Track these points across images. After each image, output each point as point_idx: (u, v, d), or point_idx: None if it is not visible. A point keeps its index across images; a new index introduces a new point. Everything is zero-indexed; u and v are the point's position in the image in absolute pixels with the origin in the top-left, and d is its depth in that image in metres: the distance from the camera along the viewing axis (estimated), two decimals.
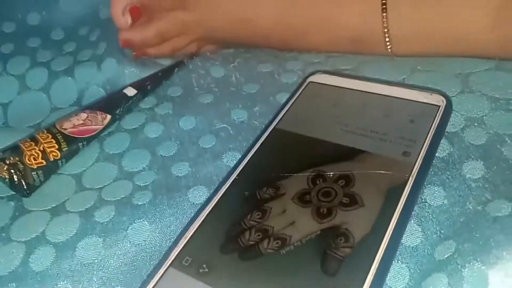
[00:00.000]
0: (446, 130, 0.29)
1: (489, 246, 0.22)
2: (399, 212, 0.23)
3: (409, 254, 0.23)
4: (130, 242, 0.26)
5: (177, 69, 0.38)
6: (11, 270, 0.25)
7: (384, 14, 0.35)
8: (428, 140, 0.27)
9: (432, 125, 0.28)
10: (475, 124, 0.29)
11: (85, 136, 0.32)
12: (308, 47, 0.39)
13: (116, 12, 0.34)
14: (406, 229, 0.24)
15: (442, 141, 0.28)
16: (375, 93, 0.31)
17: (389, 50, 0.37)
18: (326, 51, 0.39)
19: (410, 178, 0.25)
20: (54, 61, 0.40)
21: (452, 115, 0.30)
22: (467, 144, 0.28)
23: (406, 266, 0.23)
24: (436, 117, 0.28)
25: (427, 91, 0.30)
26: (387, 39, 0.36)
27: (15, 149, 0.29)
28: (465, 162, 0.27)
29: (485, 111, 0.30)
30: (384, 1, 0.35)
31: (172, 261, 0.23)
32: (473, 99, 0.31)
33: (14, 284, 0.24)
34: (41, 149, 0.30)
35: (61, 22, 0.43)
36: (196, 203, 0.27)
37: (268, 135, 0.30)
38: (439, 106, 0.29)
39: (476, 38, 0.34)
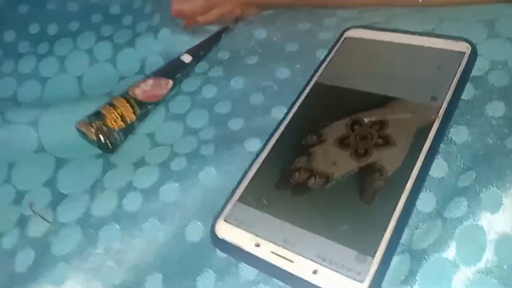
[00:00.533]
0: (472, 75, 0.32)
1: (504, 174, 0.25)
2: (427, 149, 0.28)
3: (435, 184, 0.27)
4: (201, 185, 0.31)
5: (224, 34, 0.43)
6: (110, 213, 0.31)
7: None
8: (454, 84, 0.30)
9: (457, 71, 0.31)
10: (499, 67, 0.32)
11: (154, 101, 0.37)
12: (343, 3, 0.42)
13: None
14: (434, 163, 0.28)
15: (467, 84, 0.32)
16: (405, 44, 0.34)
17: (420, 0, 0.39)
18: (360, 6, 0.42)
19: (437, 119, 0.29)
20: (116, 35, 0.45)
21: (478, 60, 0.33)
22: (490, 87, 0.31)
23: (433, 194, 0.27)
24: (462, 63, 0.32)
25: (453, 39, 0.33)
26: None
27: (98, 114, 0.35)
28: (488, 103, 0.30)
29: (509, 54, 0.32)
30: None
31: (239, 197, 0.28)
32: (498, 43, 0.33)
33: (113, 222, 0.31)
34: (119, 113, 0.35)
35: None
36: (252, 152, 0.32)
37: (310, 89, 0.34)
38: (464, 53, 0.32)
39: None
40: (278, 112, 0.34)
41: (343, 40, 0.37)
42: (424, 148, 0.28)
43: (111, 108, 0.35)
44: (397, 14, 0.40)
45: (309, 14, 0.43)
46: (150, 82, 0.37)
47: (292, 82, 0.36)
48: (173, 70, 0.39)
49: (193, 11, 0.42)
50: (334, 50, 0.36)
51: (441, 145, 0.29)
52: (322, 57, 0.36)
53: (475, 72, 0.32)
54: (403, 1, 0.40)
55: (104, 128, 0.34)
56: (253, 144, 0.33)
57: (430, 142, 0.28)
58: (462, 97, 0.31)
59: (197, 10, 0.42)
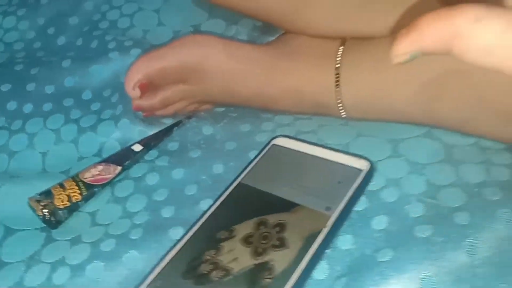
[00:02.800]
0: (368, 189, 0.37)
1: (368, 284, 0.30)
2: (312, 253, 0.32)
3: (316, 286, 0.32)
4: (124, 267, 0.36)
5: (176, 127, 0.49)
6: (38, 284, 0.35)
7: (338, 89, 0.44)
8: (347, 198, 0.36)
9: (353, 185, 0.37)
10: (392, 185, 0.37)
11: (100, 183, 0.42)
12: (281, 110, 0.48)
13: (129, 87, 0.45)
14: (319, 265, 0.33)
15: (362, 198, 0.37)
16: (317, 156, 0.40)
17: (343, 116, 0.46)
18: (296, 114, 0.48)
19: (325, 228, 0.34)
20: (82, 119, 0.51)
21: (376, 176, 0.38)
22: (381, 202, 0.36)
23: None
24: (358, 179, 0.37)
25: (356, 156, 0.39)
26: (341, 108, 0.45)
27: (48, 193, 0.40)
28: (375, 216, 0.35)
29: (403, 174, 0.38)
30: (337, 78, 0.44)
31: (149, 284, 0.33)
32: (396, 163, 0.39)
33: None
34: (67, 194, 0.40)
35: (91, 85, 0.55)
36: (174, 239, 0.37)
37: (233, 188, 0.39)
38: (362, 170, 0.38)
39: (407, 109, 0.42)
40: (205, 204, 0.39)
41: (270, 147, 0.43)
42: (309, 253, 0.32)
43: (61, 189, 0.41)
44: (324, 125, 0.46)
45: (253, 116, 0.49)
46: (100, 167, 0.43)
47: (224, 178, 0.42)
48: (123, 157, 0.44)
49: (151, 107, 0.48)
50: (261, 155, 0.42)
51: (328, 250, 0.34)
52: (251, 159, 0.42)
53: (371, 187, 0.38)
54: (330, 114, 0.46)
55: (51, 206, 0.39)
56: (177, 233, 0.37)
57: (316, 247, 0.33)
58: (356, 208, 0.36)
59: (155, 106, 0.48)
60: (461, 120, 0.40)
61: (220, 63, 0.45)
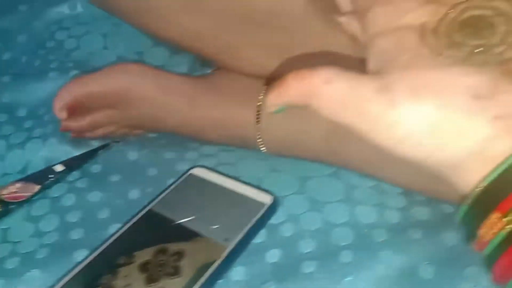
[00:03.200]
0: (269, 222, 0.40)
1: None
2: (202, 283, 0.34)
3: None
4: (23, 285, 0.36)
5: (102, 150, 0.50)
6: None
7: (258, 125, 0.47)
8: (246, 230, 0.38)
9: (254, 218, 0.39)
10: (292, 220, 0.40)
11: (17, 200, 0.43)
12: (207, 141, 0.50)
13: (56, 108, 0.46)
14: None
15: (263, 231, 0.39)
16: (227, 188, 0.42)
17: (263, 151, 0.48)
18: (221, 145, 0.50)
19: (220, 258, 0.36)
20: (13, 135, 0.51)
21: (279, 210, 0.40)
22: (278, 236, 0.38)
23: None
24: (260, 212, 0.39)
25: (262, 191, 0.41)
26: (260, 143, 0.47)
27: None
28: (270, 250, 0.37)
29: (303, 210, 0.40)
30: (258, 115, 0.47)
31: None
32: (299, 200, 0.41)
33: None
34: None
35: (27, 102, 0.56)
36: (78, 262, 0.38)
37: (142, 213, 0.41)
38: (265, 204, 0.40)
39: (318, 150, 0.45)
40: (114, 229, 0.41)
41: (187, 176, 0.44)
42: (199, 282, 0.34)
43: None
44: (244, 158, 0.48)
45: (180, 144, 0.51)
46: (18, 185, 0.44)
47: (139, 203, 0.43)
48: (43, 176, 0.45)
49: (79, 129, 0.49)
50: (176, 183, 0.44)
51: (220, 281, 0.35)
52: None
53: (272, 220, 0.40)
54: (252, 147, 0.48)
55: None
56: (82, 255, 0.38)
57: (207, 277, 0.34)
58: (254, 240, 0.38)
59: (82, 128, 0.50)
60: (365, 163, 0.43)
61: (148, 92, 0.47)
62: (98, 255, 0.37)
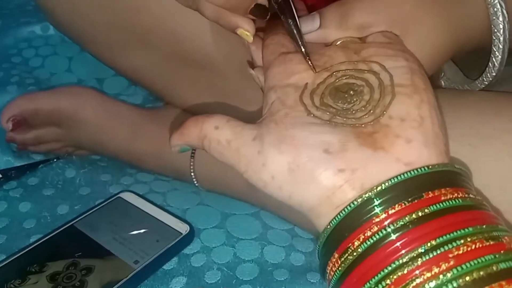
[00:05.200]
0: (183, 251, 0.42)
1: None
2: None
3: None
4: None
5: (42, 165, 0.52)
6: None
7: (192, 159, 0.50)
8: (156, 255, 0.40)
9: (167, 246, 0.41)
10: (205, 251, 0.42)
11: None
12: (145, 169, 0.53)
13: (3, 120, 0.49)
14: None
15: (175, 258, 0.41)
16: (149, 214, 0.44)
17: (196, 184, 0.51)
18: (158, 174, 0.53)
19: (125, 278, 0.37)
20: None
21: (195, 241, 0.43)
22: (188, 265, 0.41)
23: None
24: (174, 240, 0.41)
25: (180, 220, 0.43)
26: (193, 176, 0.50)
27: None
28: (177, 277, 0.39)
29: (218, 244, 0.43)
30: (193, 149, 0.50)
31: None
32: (217, 233, 0.44)
33: None
34: None
35: None
36: None
37: (64, 228, 0.42)
38: (181, 234, 0.42)
39: (242, 190, 0.48)
40: (35, 239, 0.42)
41: (115, 198, 0.47)
42: None
43: None
44: (176, 190, 0.51)
45: (118, 169, 0.54)
46: None
47: (65, 218, 0.45)
48: None
49: (23, 142, 0.52)
50: (104, 204, 0.46)
51: None
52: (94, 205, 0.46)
53: (186, 250, 0.42)
54: (186, 180, 0.51)
55: None
56: None
57: None
58: (164, 267, 0.40)
59: (27, 141, 0.52)
60: (277, 207, 0.46)
61: (92, 115, 0.50)
62: (12, 260, 0.39)
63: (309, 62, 0.27)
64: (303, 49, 0.28)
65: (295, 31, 0.28)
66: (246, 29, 0.29)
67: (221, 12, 0.29)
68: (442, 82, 0.41)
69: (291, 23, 0.28)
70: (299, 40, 0.28)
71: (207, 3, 0.29)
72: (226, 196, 0.49)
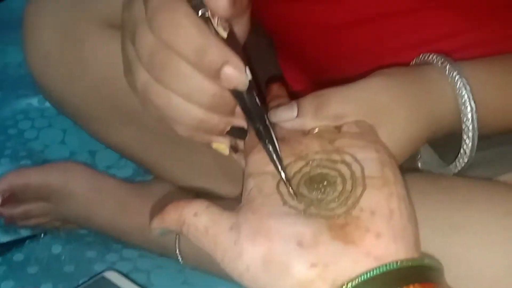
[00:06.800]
0: None
1: None
2: None
3: None
4: None
5: (29, 240, 0.52)
6: None
7: (177, 236, 0.50)
8: None
9: None
10: None
11: None
12: (131, 243, 0.53)
13: None
14: None
15: None
16: None
17: (181, 262, 0.50)
18: (145, 250, 0.53)
19: None
20: None
21: None
22: None
23: None
24: None
25: None
26: (178, 254, 0.50)
27: None
28: None
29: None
30: None
31: None
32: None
33: None
34: None
35: None
36: None
37: None
38: None
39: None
40: None
41: (99, 278, 0.46)
42: None
43: None
44: (161, 267, 0.50)
45: (104, 244, 0.54)
46: None
47: None
48: None
49: (11, 216, 0.52)
50: (87, 283, 0.45)
51: None
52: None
53: None
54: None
55: None
56: None
57: None
58: None
59: (15, 216, 0.52)
60: None
61: (81, 190, 0.51)
62: None
63: (290, 189, 0.26)
64: (282, 175, 0.27)
65: (274, 156, 0.28)
66: (222, 144, 0.30)
67: (196, 133, 0.30)
68: (419, 164, 0.42)
69: (271, 148, 0.28)
70: (279, 166, 0.27)
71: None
72: (211, 273, 0.49)
